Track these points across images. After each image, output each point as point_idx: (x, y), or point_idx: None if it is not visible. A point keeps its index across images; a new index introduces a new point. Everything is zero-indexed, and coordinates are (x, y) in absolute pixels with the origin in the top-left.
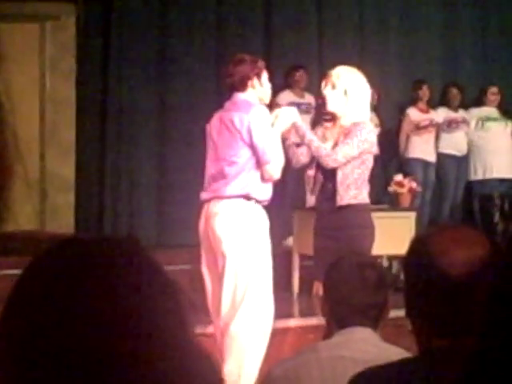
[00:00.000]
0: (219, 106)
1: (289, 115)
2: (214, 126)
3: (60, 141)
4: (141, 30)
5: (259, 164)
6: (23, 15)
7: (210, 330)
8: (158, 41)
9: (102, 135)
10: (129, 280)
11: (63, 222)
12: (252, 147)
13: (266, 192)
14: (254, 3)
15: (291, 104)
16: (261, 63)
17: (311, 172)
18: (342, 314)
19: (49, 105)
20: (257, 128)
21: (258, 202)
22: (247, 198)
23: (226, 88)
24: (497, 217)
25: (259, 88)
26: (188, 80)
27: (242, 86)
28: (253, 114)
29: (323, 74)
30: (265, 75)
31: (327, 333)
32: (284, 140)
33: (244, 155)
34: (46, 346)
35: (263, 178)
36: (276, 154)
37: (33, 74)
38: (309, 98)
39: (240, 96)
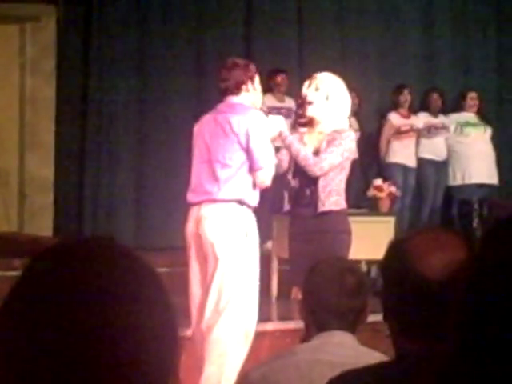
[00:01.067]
0: (199, 107)
1: (276, 124)
2: (206, 127)
3: (39, 142)
4: (121, 31)
5: (252, 169)
6: (3, 16)
7: (189, 333)
8: (137, 42)
9: (82, 137)
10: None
11: (42, 223)
12: (247, 151)
13: (256, 197)
14: (234, 7)
15: (272, 108)
16: (252, 67)
17: (290, 177)
18: (320, 317)
19: (29, 106)
20: (255, 133)
21: (249, 207)
22: (240, 202)
23: (219, 91)
24: (476, 222)
25: (253, 92)
26: (168, 80)
27: (236, 90)
28: (251, 118)
29: (307, 76)
30: (257, 78)
31: (305, 336)
32: None
33: (238, 159)
34: (33, 353)
35: (255, 184)
36: (270, 161)
37: (13, 76)
38: (289, 103)
39: (234, 99)
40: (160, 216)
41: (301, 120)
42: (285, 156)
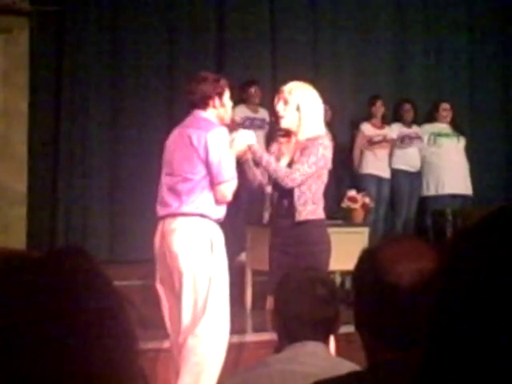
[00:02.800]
0: (170, 119)
1: (245, 138)
2: (172, 141)
3: (12, 154)
4: (94, 43)
5: (212, 183)
6: None
7: (165, 345)
8: (110, 54)
9: (55, 149)
10: (76, 298)
11: (15, 236)
12: (207, 165)
13: (219, 211)
14: (207, 17)
15: (245, 119)
16: (223, 82)
17: (269, 189)
18: (292, 328)
19: (1, 119)
20: (213, 147)
21: (212, 220)
22: (202, 216)
23: (187, 104)
24: (450, 232)
25: (220, 108)
26: (140, 92)
27: (202, 104)
28: (211, 133)
29: (276, 90)
30: (227, 94)
31: (278, 347)
32: (239, 159)
33: (199, 173)
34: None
35: (216, 199)
36: (230, 176)
37: None
38: (263, 113)
39: (201, 114)
40: (134, 228)
41: (280, 133)
42: (261, 170)
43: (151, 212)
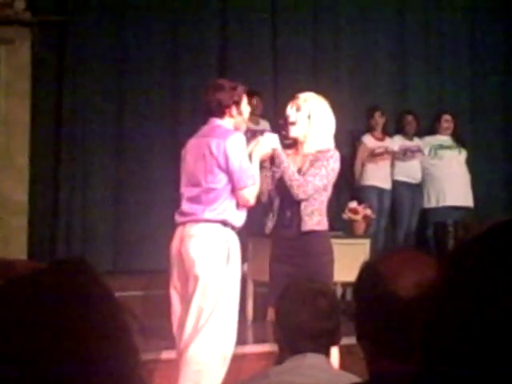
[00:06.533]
0: (174, 128)
1: (270, 141)
2: (189, 152)
3: (13, 164)
4: (96, 54)
5: (234, 189)
6: None
7: (165, 355)
8: (113, 64)
9: (56, 159)
10: (76, 310)
11: (16, 246)
12: (228, 173)
13: (241, 218)
14: (209, 29)
15: (247, 131)
16: (240, 89)
17: (273, 199)
18: (293, 340)
19: (2, 128)
20: (233, 153)
21: (233, 228)
22: (224, 223)
23: (204, 112)
24: (451, 244)
25: (237, 116)
26: (144, 104)
27: (219, 113)
28: (229, 140)
29: (290, 98)
30: (244, 101)
31: (279, 359)
32: (262, 163)
33: (221, 181)
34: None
35: (238, 204)
36: (252, 181)
37: None
38: (264, 125)
39: (217, 122)
40: (136, 239)
41: (286, 141)
42: (266, 178)
43: (154, 223)
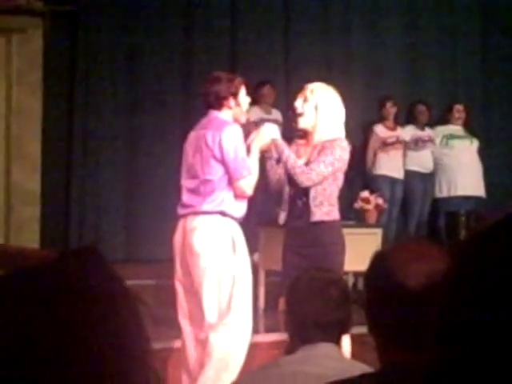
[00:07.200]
0: (187, 118)
1: (269, 132)
2: (189, 144)
3: (26, 154)
4: (108, 42)
5: (231, 180)
6: None
7: (178, 344)
8: (124, 53)
9: (69, 148)
10: (86, 300)
11: (28, 235)
12: (223, 164)
13: (240, 209)
14: (220, 18)
15: (259, 120)
16: (238, 81)
17: (286, 189)
18: (304, 329)
19: (15, 118)
20: (228, 144)
21: (233, 218)
22: (222, 214)
23: (203, 105)
24: (462, 234)
25: (235, 108)
26: (155, 92)
27: (217, 105)
28: (225, 131)
29: (297, 88)
30: (242, 92)
31: (290, 348)
32: (264, 154)
33: (218, 173)
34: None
35: (236, 195)
36: (248, 171)
37: None
38: (276, 114)
39: (215, 114)
40: (148, 228)
41: (298, 133)
42: (280, 169)
43: (166, 211)
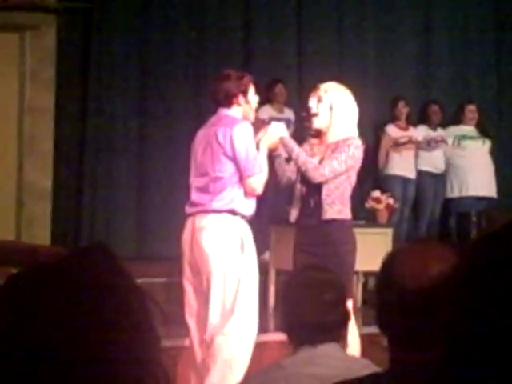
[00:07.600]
0: (198, 117)
1: (277, 130)
2: (199, 142)
3: (38, 151)
4: (121, 40)
5: (241, 178)
6: (2, 25)
7: (186, 342)
8: (137, 50)
9: (81, 145)
10: (96, 297)
11: (40, 232)
12: (234, 161)
13: (250, 207)
14: (233, 18)
15: (271, 119)
16: (247, 79)
17: (298, 187)
18: (299, 331)
19: (27, 115)
20: (239, 141)
21: (243, 217)
22: (233, 212)
23: (212, 103)
24: (474, 235)
25: (244, 105)
26: (168, 90)
27: (226, 103)
28: (236, 128)
29: (311, 87)
30: (251, 90)
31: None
32: (272, 152)
33: (228, 170)
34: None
35: (246, 193)
36: (259, 169)
37: (12, 84)
38: (288, 113)
39: (225, 112)
40: (159, 225)
41: (311, 132)
42: (292, 166)
43: (178, 209)
